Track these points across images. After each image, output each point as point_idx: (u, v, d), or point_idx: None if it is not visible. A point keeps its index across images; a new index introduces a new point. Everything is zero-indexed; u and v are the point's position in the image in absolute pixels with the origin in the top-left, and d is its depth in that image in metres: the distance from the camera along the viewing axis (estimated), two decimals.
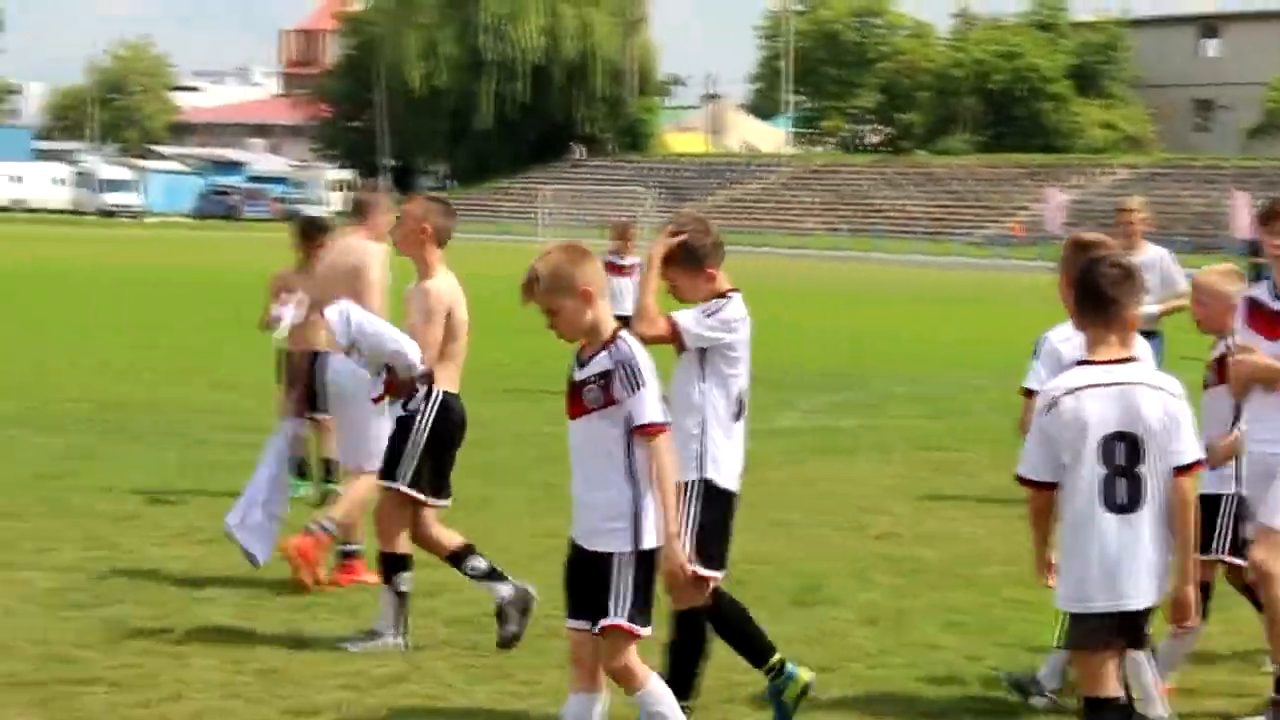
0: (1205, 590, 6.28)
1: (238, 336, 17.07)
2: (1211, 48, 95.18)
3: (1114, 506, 5.06)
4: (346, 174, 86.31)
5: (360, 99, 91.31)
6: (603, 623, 5.25)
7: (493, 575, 7.35)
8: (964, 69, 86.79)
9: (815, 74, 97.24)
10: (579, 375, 5.41)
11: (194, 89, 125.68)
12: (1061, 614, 5.11)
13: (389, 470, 7.27)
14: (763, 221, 73.61)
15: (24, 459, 11.99)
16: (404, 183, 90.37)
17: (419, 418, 7.25)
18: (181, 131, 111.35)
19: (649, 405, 5.29)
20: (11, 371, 17.50)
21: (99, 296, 29.82)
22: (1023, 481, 5.22)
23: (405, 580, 7.36)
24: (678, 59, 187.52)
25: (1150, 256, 10.75)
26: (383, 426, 7.69)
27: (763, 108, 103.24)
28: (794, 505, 10.81)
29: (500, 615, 7.24)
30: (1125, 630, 5.14)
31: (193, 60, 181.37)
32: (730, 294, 6.15)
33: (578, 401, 5.41)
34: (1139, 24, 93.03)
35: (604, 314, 5.42)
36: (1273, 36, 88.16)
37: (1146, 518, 5.09)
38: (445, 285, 7.41)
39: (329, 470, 10.00)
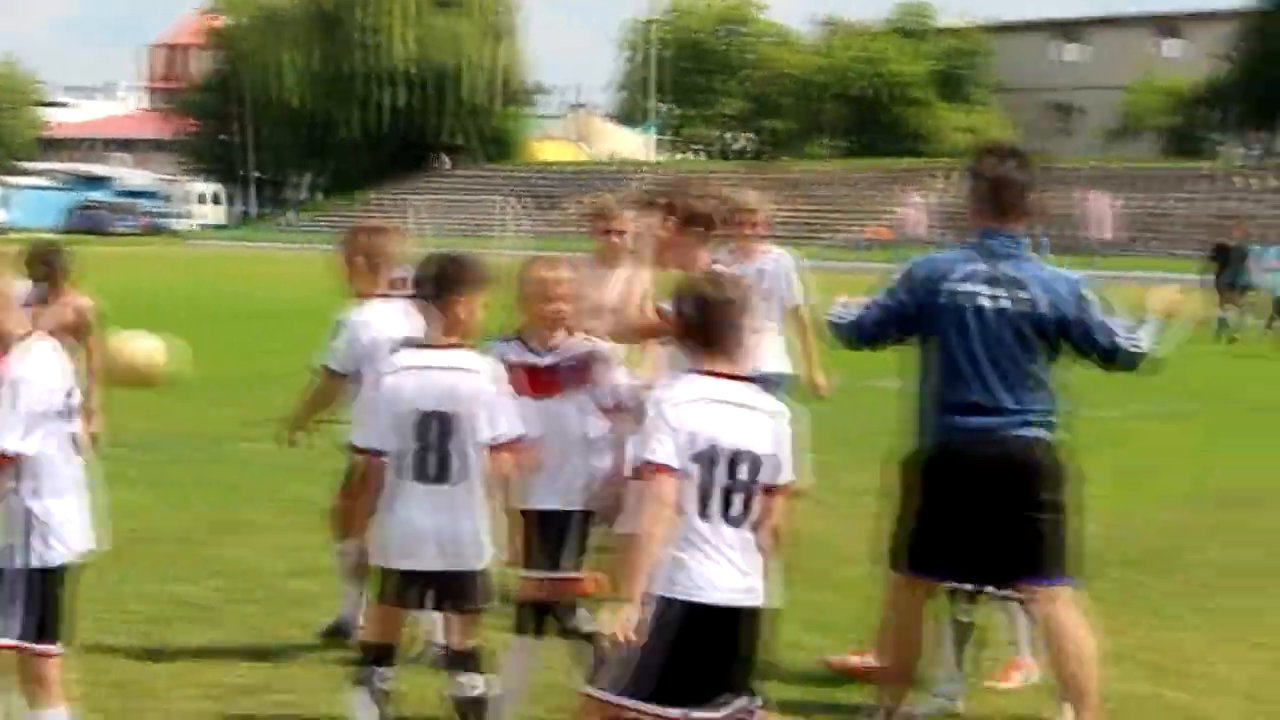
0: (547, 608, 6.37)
1: None
2: (1070, 52, 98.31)
3: (424, 478, 5.61)
4: (214, 187, 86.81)
5: (227, 113, 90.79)
6: None
7: None
8: (828, 75, 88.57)
9: (680, 82, 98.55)
10: None
11: (63, 104, 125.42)
12: (377, 569, 5.73)
13: None
14: None
15: None
16: (274, 196, 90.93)
17: None
18: (50, 148, 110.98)
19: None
20: None
21: None
22: (360, 450, 5.81)
23: None
24: (547, 69, 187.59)
25: (768, 264, 9.71)
26: None
27: (629, 116, 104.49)
28: None
29: None
30: (432, 589, 5.72)
31: (64, 76, 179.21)
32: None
33: None
34: (1000, 30, 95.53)
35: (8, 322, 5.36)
36: (1129, 41, 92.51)
37: (460, 491, 5.65)
38: None
39: None
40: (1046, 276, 6.27)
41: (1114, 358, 6.29)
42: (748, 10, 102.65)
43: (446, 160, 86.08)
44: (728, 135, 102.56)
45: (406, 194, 74.47)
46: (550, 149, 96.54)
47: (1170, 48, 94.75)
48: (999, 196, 6.32)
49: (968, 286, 6.17)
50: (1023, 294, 6.11)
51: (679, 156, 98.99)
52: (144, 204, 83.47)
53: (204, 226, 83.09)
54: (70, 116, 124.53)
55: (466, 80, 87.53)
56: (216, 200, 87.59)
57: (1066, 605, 6.21)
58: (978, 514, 6.14)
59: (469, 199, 74.64)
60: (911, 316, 6.31)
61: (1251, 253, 32.52)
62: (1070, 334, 6.21)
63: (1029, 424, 6.18)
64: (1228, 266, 32.23)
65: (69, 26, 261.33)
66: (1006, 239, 6.26)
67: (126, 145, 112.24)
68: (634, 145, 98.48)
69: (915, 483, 6.36)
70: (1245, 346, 29.30)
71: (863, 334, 6.47)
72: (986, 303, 6.13)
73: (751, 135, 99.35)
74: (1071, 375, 6.42)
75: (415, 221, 69.78)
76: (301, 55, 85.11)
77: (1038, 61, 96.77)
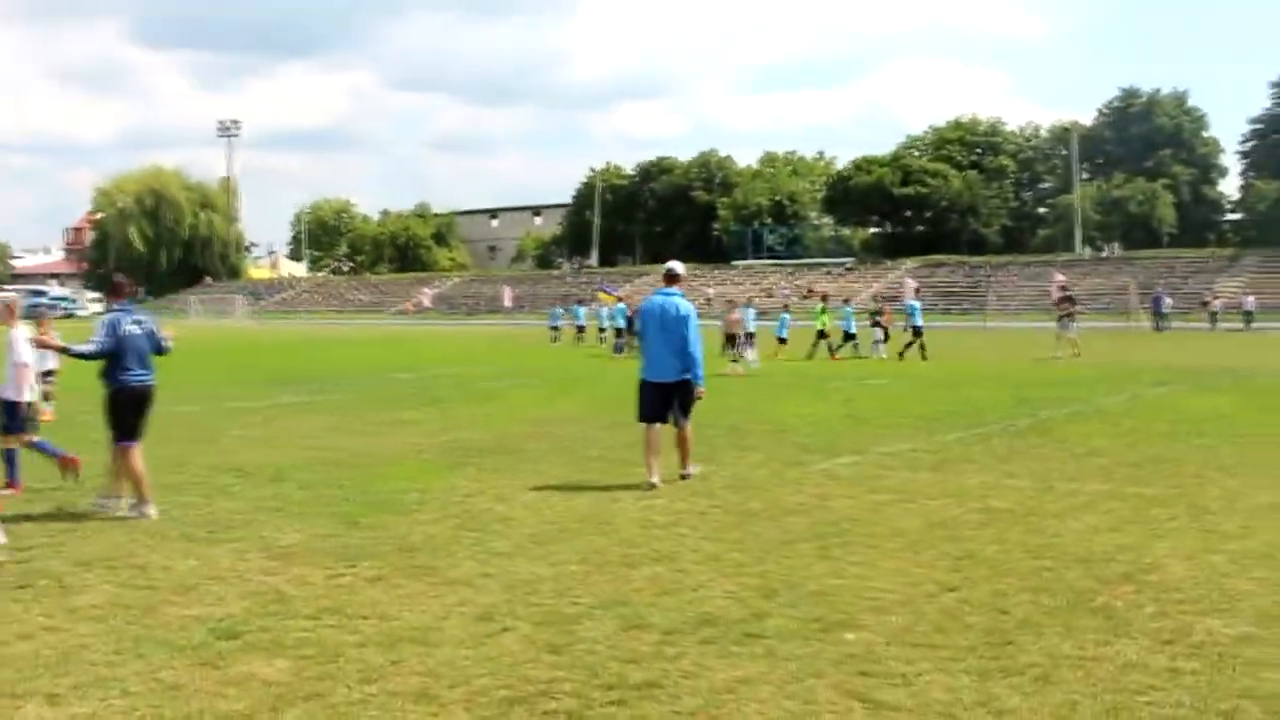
0: None
1: None
2: (494, 223, 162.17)
3: None
4: (96, 294, 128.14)
5: (104, 259, 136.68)
6: None
7: None
8: None
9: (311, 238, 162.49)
10: None
11: (19, 256, 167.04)
12: None
13: None
14: None
15: None
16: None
17: None
18: (15, 279, 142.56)
19: None
20: None
21: None
22: None
23: None
24: (257, 233, 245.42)
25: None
26: None
27: (296, 255, 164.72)
28: None
29: None
30: None
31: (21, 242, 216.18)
32: None
33: None
34: (463, 213, 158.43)
35: None
36: (521, 219, 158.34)
37: None
38: None
39: None
40: (147, 318, 11.50)
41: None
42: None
43: (210, 280, 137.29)
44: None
45: (189, 295, 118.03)
46: (260, 272, 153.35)
47: (540, 220, 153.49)
48: (122, 289, 12.29)
49: (130, 324, 11.38)
50: (146, 323, 11.48)
51: (317, 275, 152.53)
52: (63, 303, 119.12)
53: (93, 314, 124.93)
54: (26, 262, 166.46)
55: (218, 243, 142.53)
56: (98, 302, 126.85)
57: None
58: None
59: (225, 296, 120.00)
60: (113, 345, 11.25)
61: None
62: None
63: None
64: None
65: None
66: (131, 303, 11.76)
67: (55, 276, 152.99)
68: (299, 269, 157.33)
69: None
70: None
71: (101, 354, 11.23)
72: (136, 329, 11.34)
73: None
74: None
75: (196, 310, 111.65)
76: (138, 229, 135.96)
77: (483, 227, 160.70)
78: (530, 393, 25.57)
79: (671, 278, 13.17)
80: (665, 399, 12.84)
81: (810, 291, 63.60)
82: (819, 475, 13.47)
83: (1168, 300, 69.56)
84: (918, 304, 39.28)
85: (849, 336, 38.98)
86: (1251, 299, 70.99)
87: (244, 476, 13.48)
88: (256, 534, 10.44)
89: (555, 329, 53.83)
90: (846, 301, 43.84)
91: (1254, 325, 66.25)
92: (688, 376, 12.82)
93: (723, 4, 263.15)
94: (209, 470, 13.98)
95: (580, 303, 58.83)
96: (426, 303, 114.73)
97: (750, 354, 33.95)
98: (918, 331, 37.49)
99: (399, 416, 20.49)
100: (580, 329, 53.45)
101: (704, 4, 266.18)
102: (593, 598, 8.22)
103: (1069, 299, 41.58)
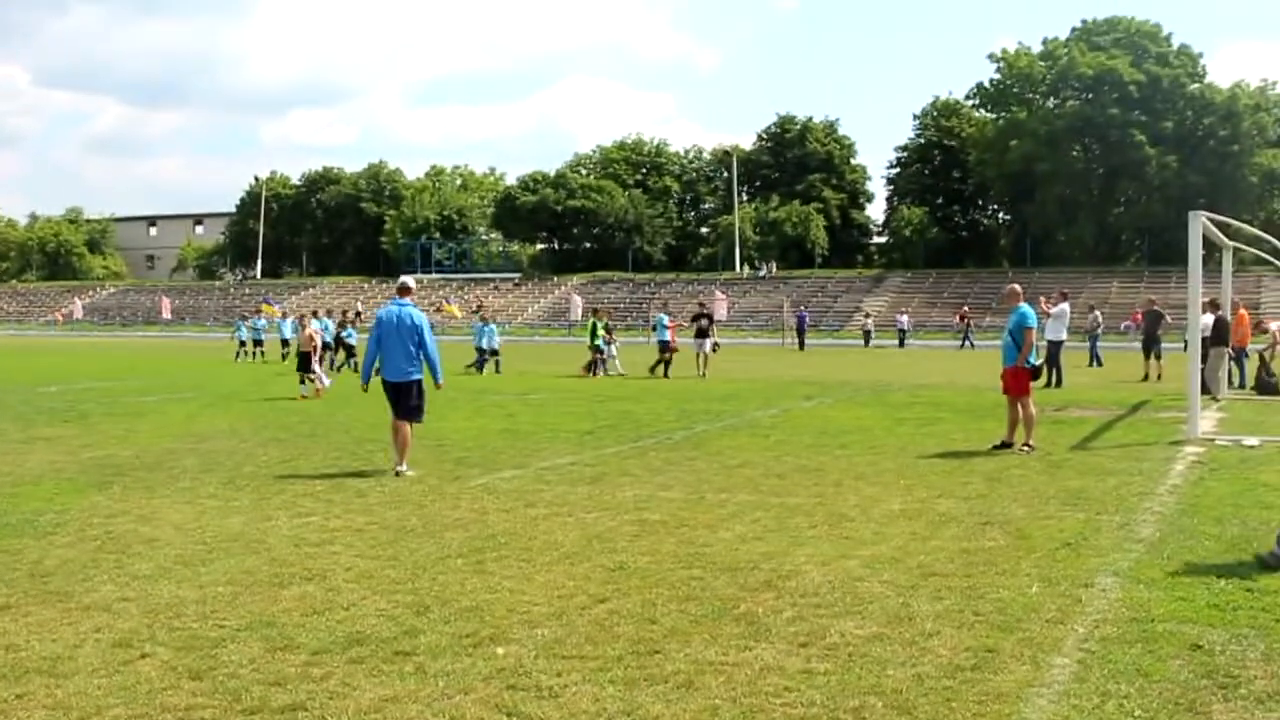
0: None
1: None
2: (153, 231, 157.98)
3: None
4: None
5: None
6: None
7: None
8: None
9: None
10: None
11: None
12: None
13: None
14: None
15: None
16: None
17: None
18: None
19: None
20: None
21: None
22: None
23: None
24: None
25: None
26: None
27: None
28: None
29: None
30: None
31: None
32: None
33: None
34: (121, 220, 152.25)
35: None
36: (182, 226, 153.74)
37: None
38: None
39: None
40: None
41: None
42: None
43: None
44: None
45: None
46: None
47: (202, 230, 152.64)
48: None
49: None
50: None
51: None
52: None
53: None
54: None
55: None
56: None
57: None
58: None
59: None
60: None
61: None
62: None
63: None
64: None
65: None
66: None
67: None
68: None
69: None
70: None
71: None
72: None
73: None
74: None
75: None
76: None
77: (142, 235, 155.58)
78: (185, 407, 24.97)
79: (404, 290, 14.89)
80: (404, 397, 14.52)
81: (480, 306, 64.34)
82: (478, 490, 13.49)
83: (807, 319, 73.05)
84: (665, 317, 39.33)
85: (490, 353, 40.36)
86: (905, 318, 75.56)
87: None
88: None
89: (242, 344, 52.71)
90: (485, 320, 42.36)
91: (908, 343, 70.45)
92: (418, 378, 14.59)
93: (397, 14, 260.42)
94: None
95: (254, 314, 58.58)
96: (78, 313, 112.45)
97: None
98: (665, 347, 37.75)
99: (40, 433, 19.50)
100: (258, 343, 52.45)
101: (379, 13, 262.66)
102: (239, 620, 7.98)
103: (702, 316, 41.28)
